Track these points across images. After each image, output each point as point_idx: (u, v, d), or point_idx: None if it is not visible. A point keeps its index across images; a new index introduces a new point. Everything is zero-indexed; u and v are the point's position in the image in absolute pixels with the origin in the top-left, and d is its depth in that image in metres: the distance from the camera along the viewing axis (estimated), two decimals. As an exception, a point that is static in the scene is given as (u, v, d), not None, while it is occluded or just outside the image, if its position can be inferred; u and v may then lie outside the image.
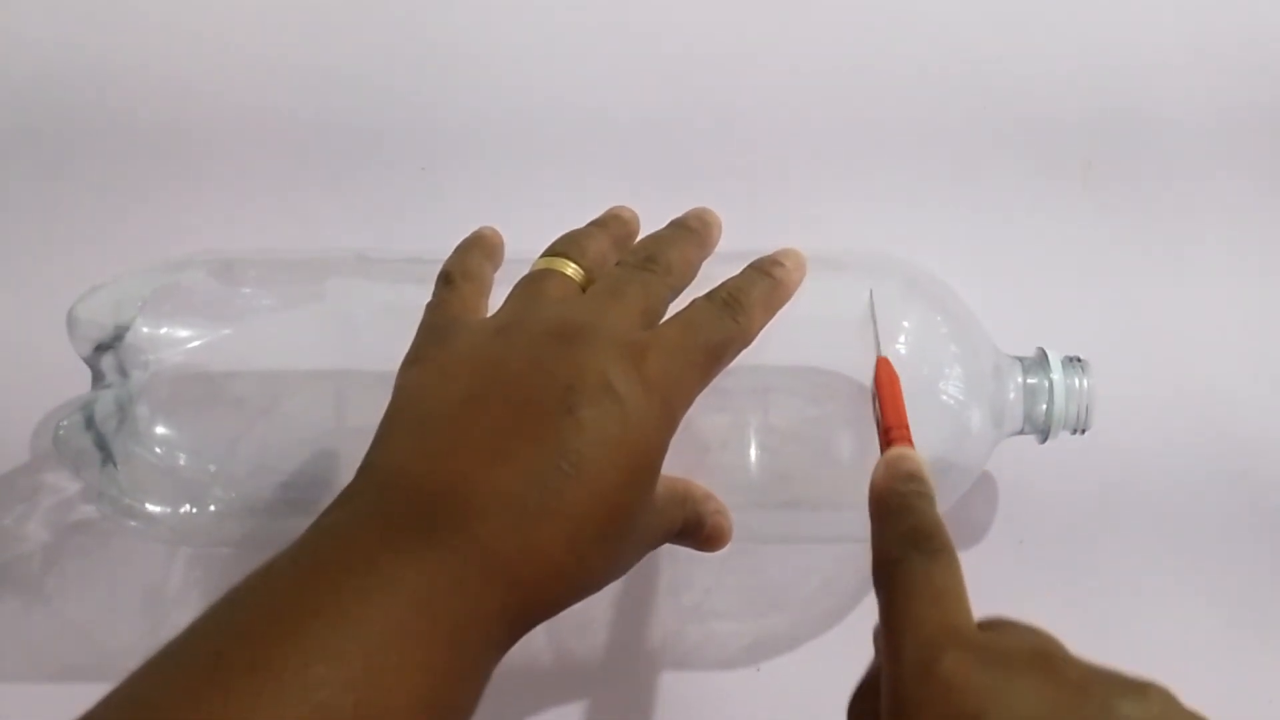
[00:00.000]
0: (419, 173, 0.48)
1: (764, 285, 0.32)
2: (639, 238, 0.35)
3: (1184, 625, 0.41)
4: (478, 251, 0.35)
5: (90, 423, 0.36)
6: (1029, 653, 0.24)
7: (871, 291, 0.36)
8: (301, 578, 0.25)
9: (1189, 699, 0.23)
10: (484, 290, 0.34)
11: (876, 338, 0.35)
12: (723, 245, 0.36)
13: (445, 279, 0.34)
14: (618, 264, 0.33)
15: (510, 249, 0.37)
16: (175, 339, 0.37)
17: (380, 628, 0.23)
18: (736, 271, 0.33)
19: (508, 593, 0.26)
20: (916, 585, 0.26)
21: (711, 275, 0.34)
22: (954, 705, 0.23)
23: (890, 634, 0.25)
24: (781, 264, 0.33)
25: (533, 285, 0.32)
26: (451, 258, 0.35)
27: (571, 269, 0.32)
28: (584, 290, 0.32)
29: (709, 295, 0.31)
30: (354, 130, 0.49)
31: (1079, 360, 0.38)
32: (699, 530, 0.33)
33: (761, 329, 0.32)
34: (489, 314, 0.32)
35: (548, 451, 0.27)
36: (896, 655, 0.25)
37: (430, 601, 0.24)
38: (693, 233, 0.34)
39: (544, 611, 0.27)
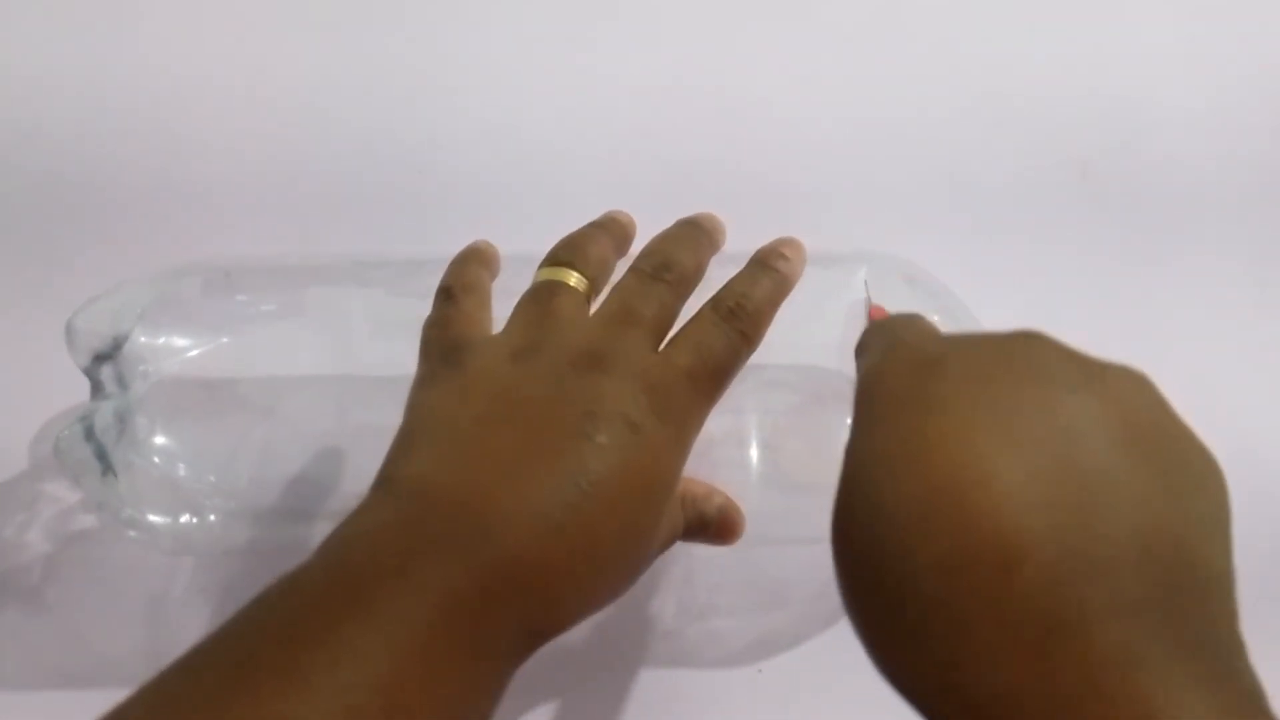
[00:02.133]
0: (416, 177, 0.48)
1: (768, 282, 0.33)
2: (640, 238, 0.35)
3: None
4: (474, 262, 0.35)
5: (90, 433, 0.36)
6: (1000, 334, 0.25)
7: (866, 283, 0.36)
8: (330, 582, 0.25)
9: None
10: (486, 302, 0.34)
11: (868, 297, 0.35)
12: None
13: (445, 293, 0.33)
14: (630, 270, 0.33)
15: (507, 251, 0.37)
16: (174, 348, 0.37)
17: (408, 633, 0.24)
18: (730, 271, 0.34)
19: (529, 603, 0.26)
20: (890, 320, 0.30)
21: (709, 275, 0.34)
22: (917, 358, 0.24)
23: (860, 346, 0.29)
24: (784, 255, 0.33)
25: (541, 303, 0.32)
26: (449, 271, 0.35)
27: (575, 278, 0.32)
28: (589, 298, 0.32)
29: (715, 306, 0.32)
30: (350, 145, 0.49)
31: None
32: (706, 527, 0.34)
33: (768, 329, 0.32)
34: (494, 326, 0.33)
35: (568, 470, 0.27)
36: (863, 353, 0.29)
37: (456, 609, 0.25)
38: (703, 231, 0.34)
39: (562, 624, 0.28)
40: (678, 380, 0.30)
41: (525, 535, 0.26)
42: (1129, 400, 0.22)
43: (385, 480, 0.28)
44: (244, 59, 0.50)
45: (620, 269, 0.34)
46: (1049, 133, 0.49)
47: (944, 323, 0.37)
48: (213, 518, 0.37)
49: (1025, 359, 0.23)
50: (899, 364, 0.25)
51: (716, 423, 0.31)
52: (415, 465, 0.28)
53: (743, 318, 0.31)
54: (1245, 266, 0.48)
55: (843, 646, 0.40)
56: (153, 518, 0.37)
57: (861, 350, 0.30)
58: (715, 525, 0.34)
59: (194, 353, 0.37)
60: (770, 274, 0.33)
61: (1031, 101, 0.50)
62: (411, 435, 0.29)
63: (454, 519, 0.26)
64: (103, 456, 0.35)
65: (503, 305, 0.33)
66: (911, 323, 0.29)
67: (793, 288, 0.33)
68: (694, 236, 0.34)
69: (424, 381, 0.31)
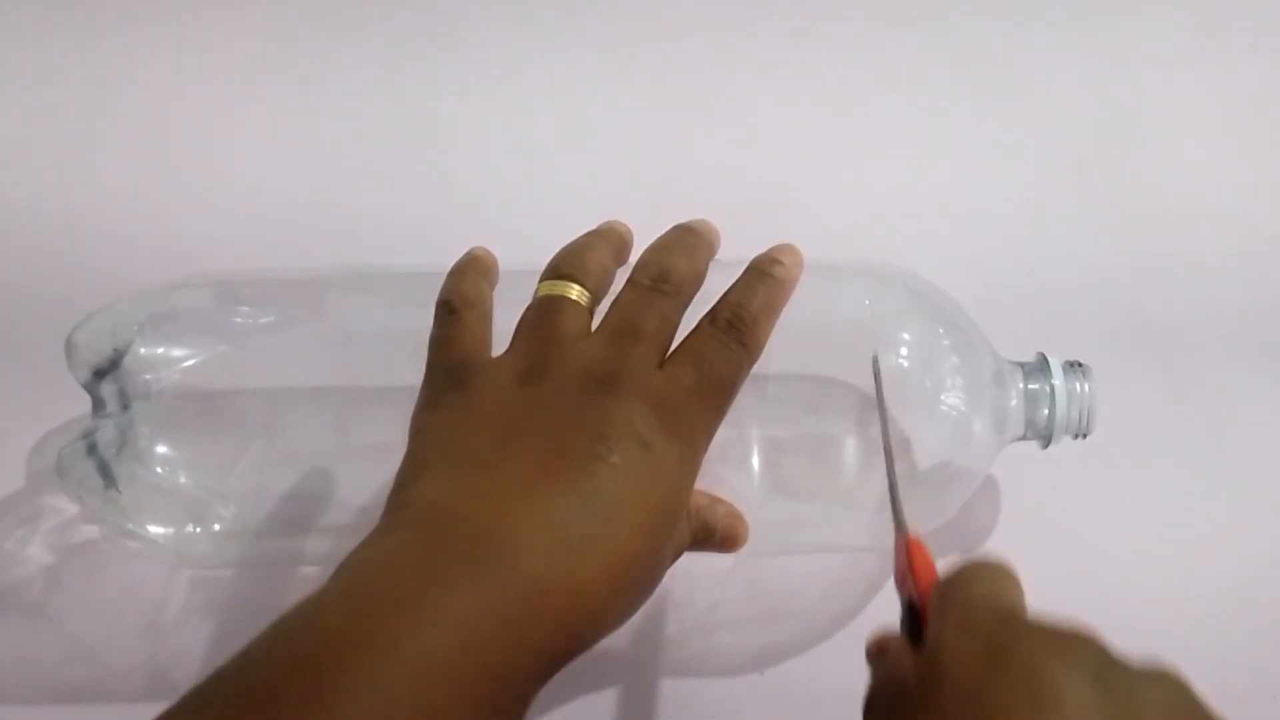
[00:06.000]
0: (414, 186, 0.48)
1: (765, 291, 0.32)
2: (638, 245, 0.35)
3: (1184, 622, 0.41)
4: (474, 273, 0.34)
5: (93, 449, 0.36)
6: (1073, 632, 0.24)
7: (876, 358, 0.35)
8: (350, 611, 0.25)
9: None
10: (488, 317, 0.33)
11: (887, 446, 0.33)
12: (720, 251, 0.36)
13: (447, 309, 0.33)
14: (629, 283, 0.32)
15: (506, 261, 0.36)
16: (173, 359, 0.37)
17: (428, 661, 0.24)
18: (727, 277, 0.33)
19: (549, 627, 0.26)
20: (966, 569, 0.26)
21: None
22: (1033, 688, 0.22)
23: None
24: (780, 262, 0.33)
25: (544, 321, 0.31)
26: (448, 283, 0.34)
27: (576, 291, 0.32)
28: (590, 311, 0.32)
29: (713, 319, 0.32)
30: (349, 155, 0.49)
31: (1079, 365, 0.38)
32: (711, 536, 0.34)
33: (768, 337, 0.32)
34: (496, 342, 0.32)
35: (583, 491, 0.27)
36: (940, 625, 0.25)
37: (477, 635, 0.25)
38: (699, 236, 0.34)
39: (580, 645, 0.27)
40: (685, 398, 0.30)
41: (544, 560, 0.26)
42: None
43: (400, 504, 0.28)
44: (244, 66, 0.50)
45: (619, 278, 0.33)
46: (1048, 134, 0.49)
47: (946, 334, 0.38)
48: (216, 527, 0.37)
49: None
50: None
51: (718, 435, 0.31)
52: (430, 489, 0.28)
53: (741, 329, 0.31)
54: (1243, 261, 0.48)
55: (845, 651, 0.40)
56: (155, 529, 0.37)
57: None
58: (721, 535, 0.34)
59: (194, 362, 0.37)
60: (766, 281, 0.33)
61: (1030, 103, 0.50)
62: (423, 459, 0.29)
63: (472, 545, 0.26)
64: (105, 471, 0.35)
65: (503, 313, 0.33)
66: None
67: (790, 294, 0.33)
68: (689, 243, 0.34)
69: (429, 404, 0.31)
